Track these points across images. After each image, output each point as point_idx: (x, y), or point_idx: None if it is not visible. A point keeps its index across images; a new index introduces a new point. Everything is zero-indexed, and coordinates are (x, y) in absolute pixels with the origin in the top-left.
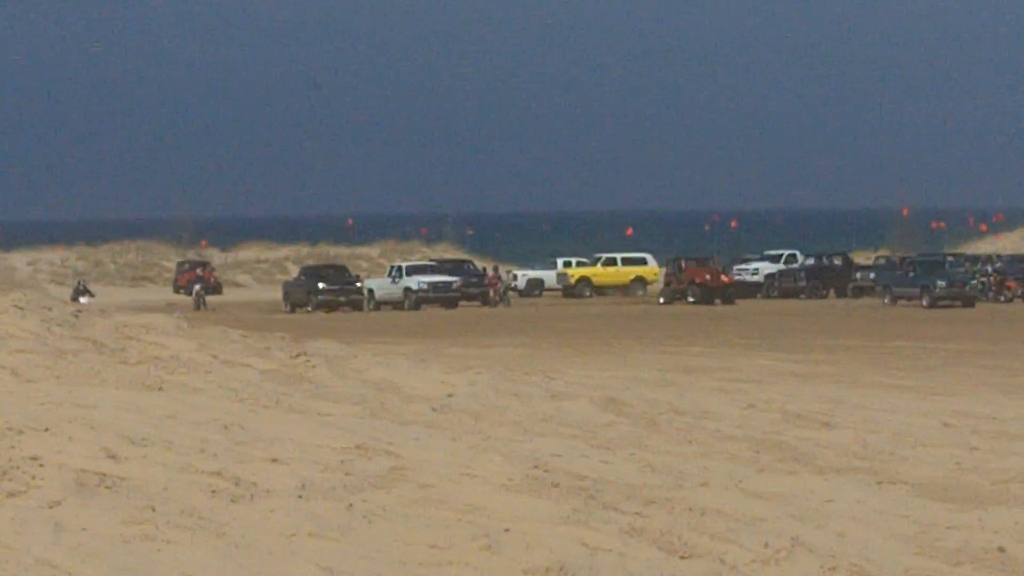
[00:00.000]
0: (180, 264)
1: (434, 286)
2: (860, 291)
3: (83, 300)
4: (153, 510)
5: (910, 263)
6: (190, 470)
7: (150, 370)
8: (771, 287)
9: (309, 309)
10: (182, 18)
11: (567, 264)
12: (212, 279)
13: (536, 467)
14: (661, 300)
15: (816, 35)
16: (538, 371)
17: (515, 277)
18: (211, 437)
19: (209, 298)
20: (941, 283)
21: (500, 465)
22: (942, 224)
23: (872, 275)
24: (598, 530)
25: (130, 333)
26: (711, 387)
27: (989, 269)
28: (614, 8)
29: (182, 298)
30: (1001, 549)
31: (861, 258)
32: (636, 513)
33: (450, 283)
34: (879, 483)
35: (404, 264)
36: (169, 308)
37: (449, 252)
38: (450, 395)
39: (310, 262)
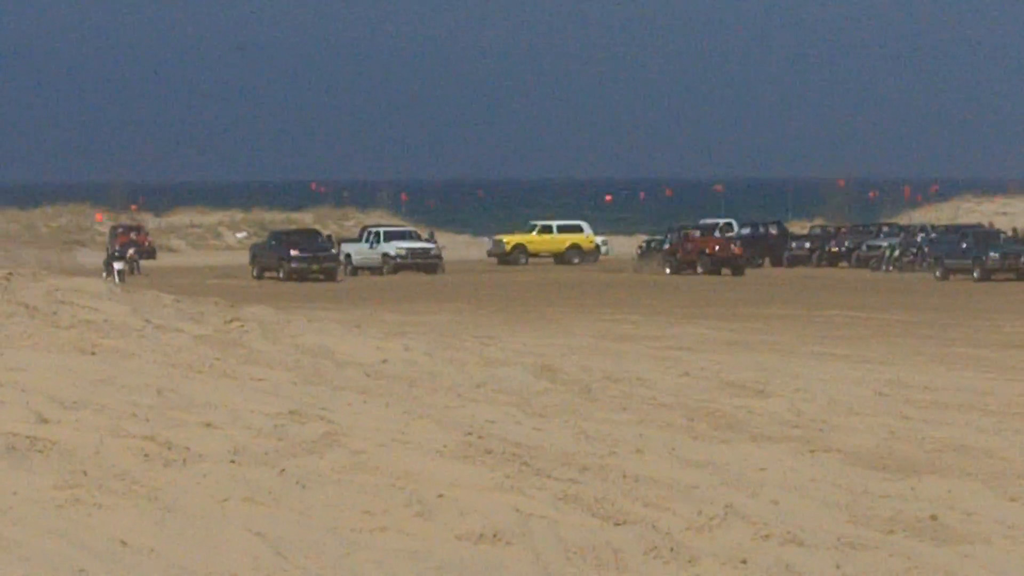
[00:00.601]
0: (113, 228)
1: (412, 252)
2: (795, 260)
3: (116, 266)
4: (85, 474)
5: (963, 234)
6: (122, 434)
7: (82, 334)
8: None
9: (280, 276)
10: None
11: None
12: (147, 243)
13: (470, 434)
14: (667, 271)
15: (754, 3)
16: (473, 337)
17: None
18: (143, 401)
19: (143, 262)
20: (994, 255)
21: (434, 431)
22: (875, 193)
23: (807, 244)
24: (532, 496)
25: (62, 297)
26: (646, 355)
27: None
28: None
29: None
30: (933, 517)
31: (797, 228)
32: (570, 480)
33: (428, 249)
34: (812, 451)
35: (382, 230)
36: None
37: (384, 219)
38: (384, 361)
39: (244, 227)
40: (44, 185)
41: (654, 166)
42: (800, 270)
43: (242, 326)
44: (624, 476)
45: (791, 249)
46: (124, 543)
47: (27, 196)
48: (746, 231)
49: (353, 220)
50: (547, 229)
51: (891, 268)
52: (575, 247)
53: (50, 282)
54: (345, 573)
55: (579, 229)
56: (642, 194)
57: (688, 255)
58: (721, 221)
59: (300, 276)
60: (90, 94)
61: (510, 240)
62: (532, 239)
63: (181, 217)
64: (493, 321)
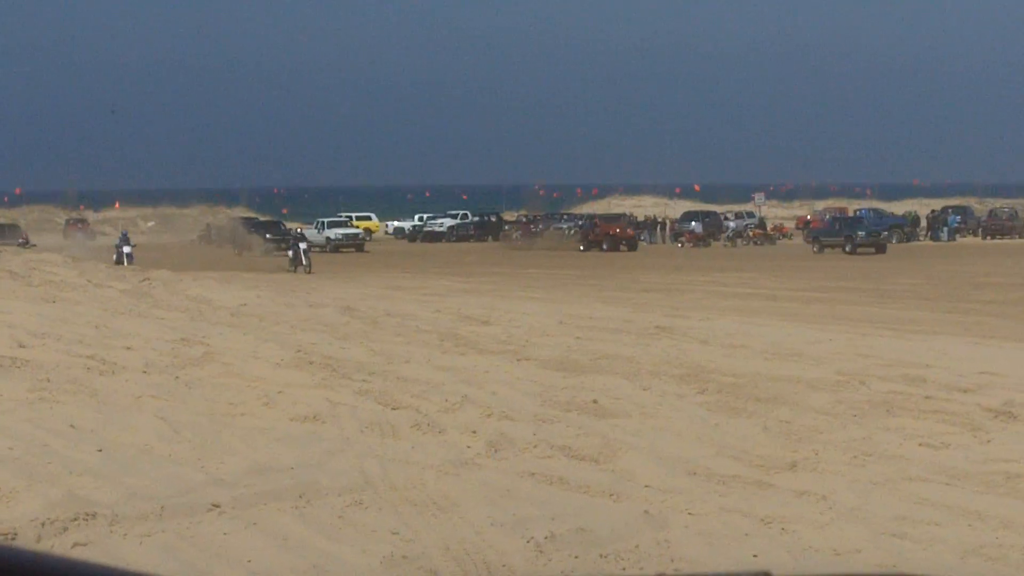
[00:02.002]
0: (67, 221)
1: (347, 236)
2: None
3: (127, 250)
4: (48, 380)
5: (834, 219)
6: (73, 354)
7: (47, 290)
8: (451, 234)
9: (258, 255)
10: None
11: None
12: (88, 231)
13: (299, 351)
14: (581, 248)
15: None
16: (302, 290)
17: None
18: (87, 333)
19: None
20: (861, 233)
21: (275, 350)
22: (558, 194)
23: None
24: (339, 391)
25: (34, 266)
26: (412, 299)
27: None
28: None
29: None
30: (595, 401)
31: (509, 216)
32: (363, 380)
33: (357, 233)
34: (519, 360)
35: (326, 220)
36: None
37: (246, 213)
38: (243, 305)
39: (152, 222)
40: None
41: (415, 174)
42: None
43: (150, 283)
44: (398, 378)
45: (505, 230)
46: (73, 426)
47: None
48: (476, 218)
49: (222, 214)
50: (349, 218)
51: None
52: (367, 231)
53: (27, 255)
54: (217, 442)
55: (370, 218)
56: (409, 195)
57: (597, 236)
58: (460, 212)
59: (269, 253)
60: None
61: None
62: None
63: (113, 212)
64: (322, 280)
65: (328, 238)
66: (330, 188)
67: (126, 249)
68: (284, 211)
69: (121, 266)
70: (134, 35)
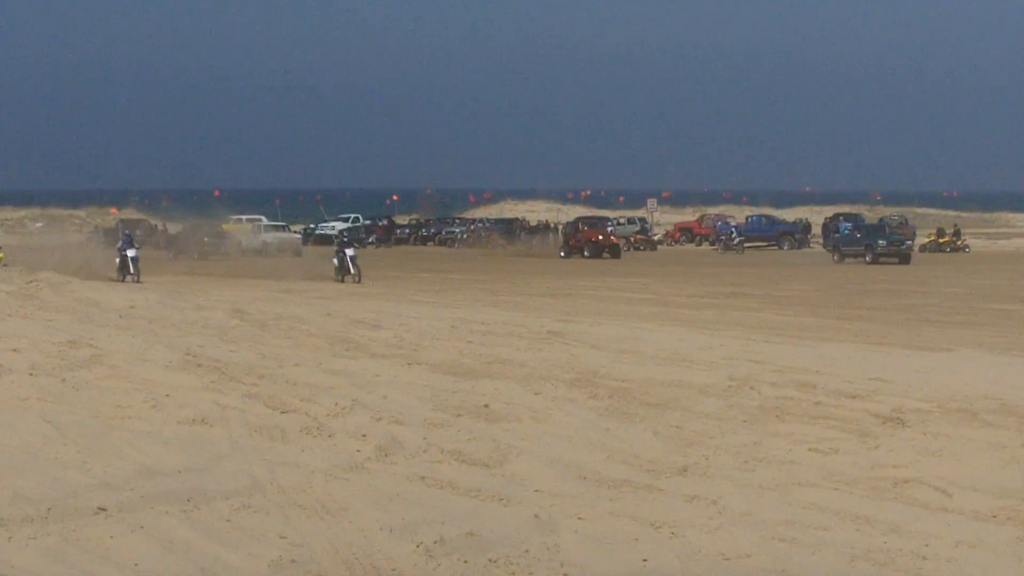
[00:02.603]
0: None
1: (281, 240)
2: (400, 240)
3: (131, 253)
4: None
5: (856, 227)
6: None
7: None
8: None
9: (195, 256)
10: None
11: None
12: None
13: (187, 354)
14: (561, 254)
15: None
16: (189, 291)
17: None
18: None
19: None
20: (882, 242)
21: (164, 352)
22: (448, 199)
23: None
24: (227, 394)
25: None
26: (301, 303)
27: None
28: None
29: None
30: (486, 405)
31: (402, 220)
32: (252, 383)
33: (297, 238)
34: (409, 364)
35: (263, 224)
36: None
37: (134, 214)
38: (132, 307)
39: (40, 222)
40: None
41: (311, 178)
42: (404, 247)
43: (37, 285)
44: (287, 381)
45: (397, 234)
46: None
47: None
48: (368, 222)
49: (111, 214)
50: (239, 220)
51: (460, 245)
52: None
53: None
54: (104, 445)
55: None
56: (318, 195)
57: (578, 243)
58: (352, 215)
59: (209, 255)
60: None
61: (224, 227)
62: (231, 227)
63: (3, 213)
64: (214, 282)
65: (265, 241)
66: (252, 190)
67: (130, 253)
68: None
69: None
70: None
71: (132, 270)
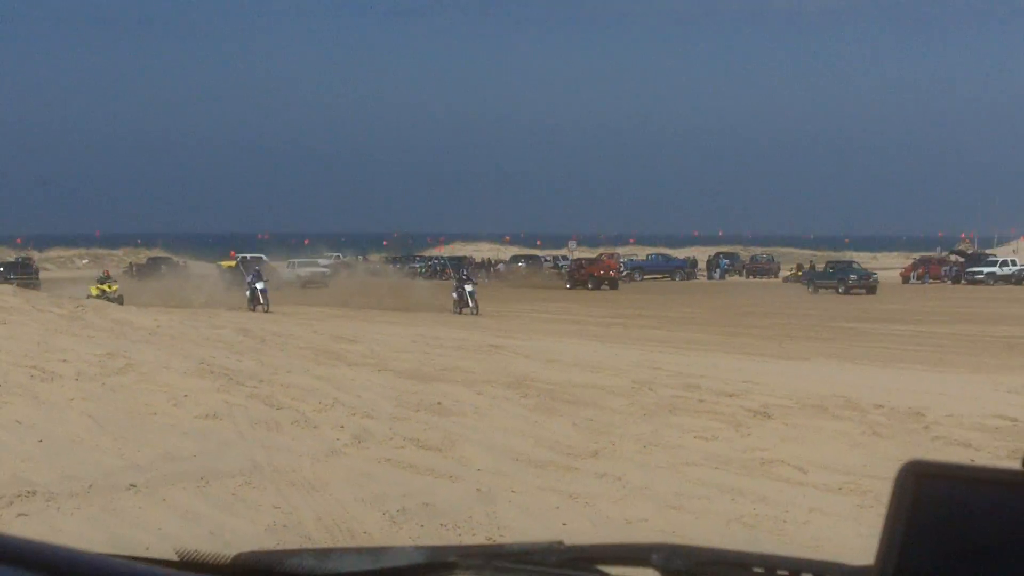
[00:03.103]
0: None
1: (312, 273)
2: (374, 273)
3: (260, 286)
4: (1, 385)
5: (830, 265)
6: (21, 364)
7: (0, 314)
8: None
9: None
10: None
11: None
12: (34, 265)
13: (202, 364)
14: (568, 286)
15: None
16: (203, 313)
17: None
18: (31, 348)
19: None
20: (853, 276)
21: (183, 362)
22: (411, 240)
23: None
24: (234, 394)
25: None
26: (294, 323)
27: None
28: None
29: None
30: (439, 403)
31: (375, 257)
32: (254, 386)
33: (324, 272)
34: (379, 371)
35: (297, 261)
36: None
37: (163, 254)
38: (158, 326)
39: (87, 257)
40: None
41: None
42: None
43: (83, 309)
44: (282, 384)
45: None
46: (19, 422)
47: None
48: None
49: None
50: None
51: (420, 278)
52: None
53: None
54: (134, 435)
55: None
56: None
57: (583, 275)
58: (335, 254)
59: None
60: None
61: (225, 263)
62: (230, 263)
63: (54, 252)
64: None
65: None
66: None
67: (259, 285)
68: (306, 241)
69: (256, 307)
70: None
71: (262, 300)
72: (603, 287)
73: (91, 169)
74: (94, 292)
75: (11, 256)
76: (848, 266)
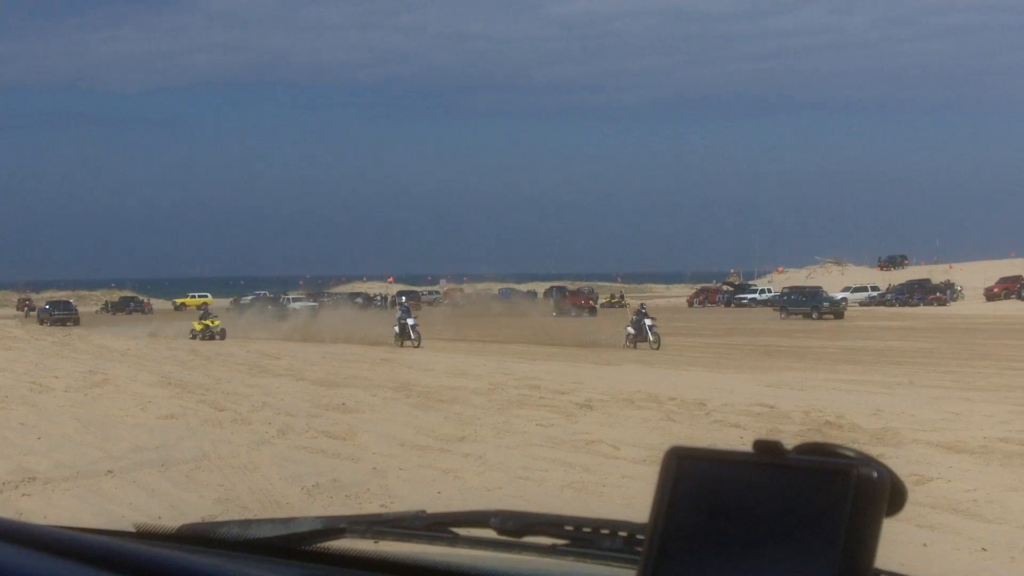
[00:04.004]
0: (19, 300)
1: (304, 307)
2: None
3: (411, 322)
4: (6, 397)
5: (801, 292)
6: (22, 380)
7: (4, 341)
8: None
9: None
10: None
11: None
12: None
13: (163, 377)
14: (554, 314)
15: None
16: (164, 338)
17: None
18: (30, 367)
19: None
20: (826, 303)
21: (148, 376)
22: (321, 280)
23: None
24: (187, 400)
25: None
26: (235, 344)
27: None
28: None
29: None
30: (343, 403)
31: (297, 295)
32: (203, 393)
33: (315, 305)
34: (297, 380)
35: (292, 296)
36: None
37: (131, 293)
38: (128, 349)
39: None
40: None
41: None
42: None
43: (70, 336)
44: (223, 392)
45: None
46: (22, 424)
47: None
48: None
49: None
50: (193, 296)
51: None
52: (205, 304)
53: None
54: (111, 433)
55: (206, 296)
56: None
57: (567, 303)
58: (261, 291)
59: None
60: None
61: (179, 301)
62: (188, 300)
63: (47, 293)
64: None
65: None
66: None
67: (410, 321)
68: (301, 283)
69: (406, 342)
70: None
71: (412, 335)
72: (584, 314)
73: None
74: (198, 327)
75: (13, 298)
76: (818, 292)
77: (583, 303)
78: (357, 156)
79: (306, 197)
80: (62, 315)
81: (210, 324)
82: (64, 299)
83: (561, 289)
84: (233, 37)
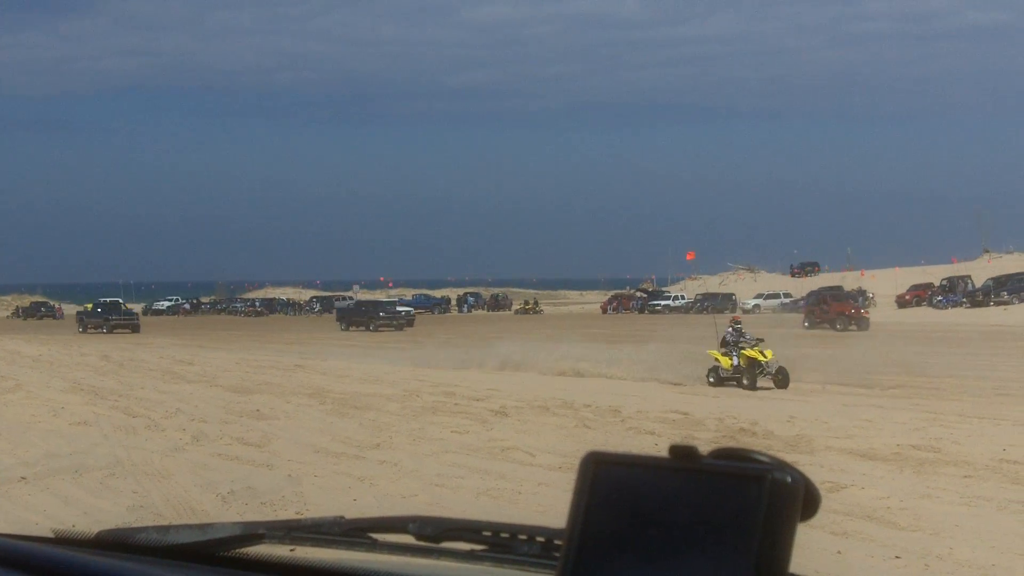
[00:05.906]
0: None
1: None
2: (203, 312)
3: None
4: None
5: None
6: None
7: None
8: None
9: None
10: None
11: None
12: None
13: (75, 384)
14: (514, 312)
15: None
16: (75, 344)
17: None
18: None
19: None
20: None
21: (60, 383)
22: (233, 287)
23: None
24: (99, 407)
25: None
26: (144, 351)
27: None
28: None
29: None
30: (257, 410)
31: (206, 299)
32: (115, 400)
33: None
34: (211, 386)
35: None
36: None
37: (41, 298)
38: (40, 355)
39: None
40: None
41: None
42: (205, 316)
43: None
44: (136, 398)
45: (202, 308)
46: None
47: None
48: (184, 300)
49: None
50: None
51: (241, 315)
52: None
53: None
54: (24, 439)
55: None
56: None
57: (528, 311)
58: (176, 297)
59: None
60: None
61: (89, 306)
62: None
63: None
64: (100, 340)
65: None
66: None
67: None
68: (317, 282)
69: None
70: None
71: None
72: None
73: None
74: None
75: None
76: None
77: (528, 309)
78: (268, 161)
79: (220, 202)
80: (118, 320)
81: None
82: (115, 301)
83: (504, 296)
84: (142, 41)
